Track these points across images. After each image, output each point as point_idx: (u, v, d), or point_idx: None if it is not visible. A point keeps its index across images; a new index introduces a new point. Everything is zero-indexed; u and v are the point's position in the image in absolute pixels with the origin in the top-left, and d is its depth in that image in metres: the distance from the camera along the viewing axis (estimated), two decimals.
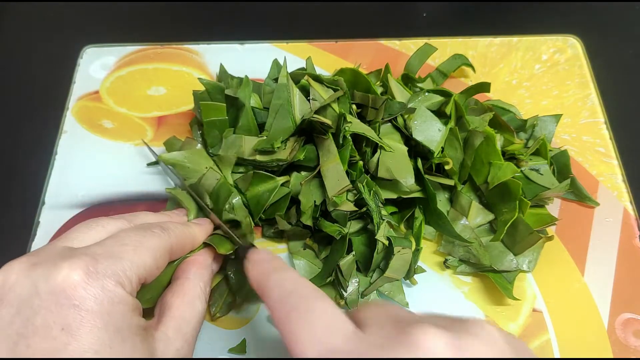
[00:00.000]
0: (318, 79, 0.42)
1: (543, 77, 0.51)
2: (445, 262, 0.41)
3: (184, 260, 0.36)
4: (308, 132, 0.41)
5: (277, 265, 0.29)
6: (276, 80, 0.43)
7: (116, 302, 0.27)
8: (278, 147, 0.40)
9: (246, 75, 0.44)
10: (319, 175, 0.40)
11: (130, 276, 0.28)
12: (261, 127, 0.42)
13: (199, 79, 0.45)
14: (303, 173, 0.41)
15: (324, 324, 0.24)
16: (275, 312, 0.26)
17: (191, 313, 0.32)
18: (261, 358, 0.38)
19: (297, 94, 0.41)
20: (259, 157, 0.40)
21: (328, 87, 0.42)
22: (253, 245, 0.35)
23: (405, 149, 0.41)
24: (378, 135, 0.41)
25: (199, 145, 0.44)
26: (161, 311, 0.32)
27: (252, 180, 0.40)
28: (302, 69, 0.46)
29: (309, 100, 0.41)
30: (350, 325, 0.24)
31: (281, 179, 0.40)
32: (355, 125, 0.40)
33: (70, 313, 0.25)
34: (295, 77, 0.43)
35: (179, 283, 0.34)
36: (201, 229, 0.37)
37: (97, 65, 0.52)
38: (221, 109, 0.43)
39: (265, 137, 0.41)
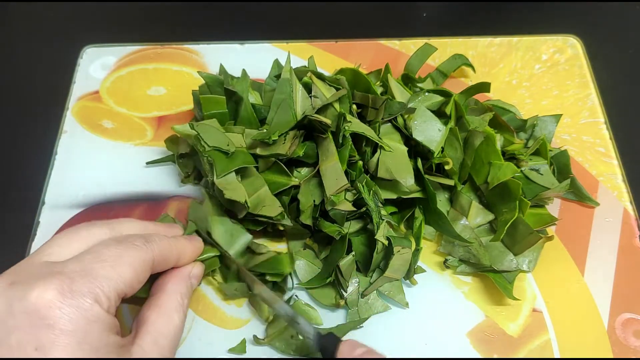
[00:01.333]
0: (321, 76, 0.42)
1: (543, 77, 0.51)
2: (445, 262, 0.41)
3: (161, 274, 0.35)
4: (308, 129, 0.41)
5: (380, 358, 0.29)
6: (278, 77, 0.43)
7: (92, 321, 0.27)
8: (275, 140, 0.39)
9: (244, 69, 0.44)
10: (318, 175, 0.40)
11: (107, 293, 0.28)
12: (262, 124, 0.43)
13: (198, 72, 0.45)
14: (303, 172, 0.41)
15: None
16: None
17: (168, 327, 0.32)
18: (261, 358, 0.38)
19: (300, 90, 0.41)
20: (259, 151, 0.40)
21: (330, 85, 0.42)
22: (333, 335, 0.34)
23: (405, 149, 0.41)
24: (378, 135, 0.41)
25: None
26: (138, 325, 0.31)
27: (272, 167, 0.40)
28: (304, 67, 0.46)
29: (311, 97, 0.42)
30: None
31: (295, 181, 0.40)
32: (355, 124, 0.40)
33: (44, 333, 0.25)
34: (298, 74, 0.43)
35: (156, 297, 0.33)
36: (191, 245, 0.37)
37: (97, 65, 0.52)
38: (221, 102, 0.43)
39: (265, 130, 0.41)
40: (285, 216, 0.39)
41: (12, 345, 0.25)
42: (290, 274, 0.40)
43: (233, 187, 0.38)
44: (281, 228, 0.41)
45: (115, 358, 0.27)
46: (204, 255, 0.38)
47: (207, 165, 0.39)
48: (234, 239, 0.39)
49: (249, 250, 0.40)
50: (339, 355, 0.32)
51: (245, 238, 0.40)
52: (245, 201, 0.38)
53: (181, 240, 0.36)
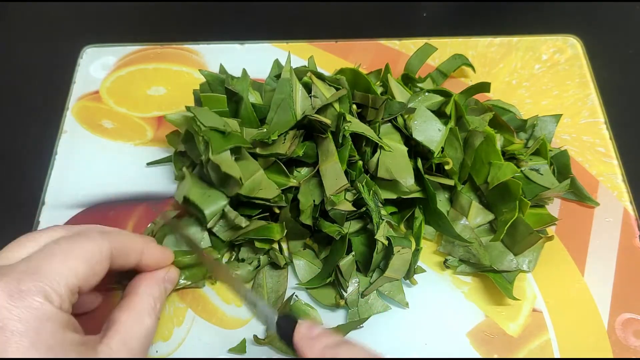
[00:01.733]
0: (321, 76, 0.42)
1: (543, 77, 0.51)
2: (445, 262, 0.41)
3: (134, 277, 0.35)
4: (308, 129, 0.41)
5: (338, 339, 0.29)
6: (278, 77, 0.43)
7: (44, 319, 0.26)
8: (274, 140, 0.39)
9: (244, 69, 0.44)
10: (318, 175, 0.40)
11: (58, 290, 0.27)
12: (262, 123, 0.43)
13: (199, 70, 0.45)
14: (303, 172, 0.41)
15: None
16: None
17: (139, 328, 0.31)
18: (261, 358, 0.38)
19: (299, 89, 0.41)
20: (259, 150, 0.40)
21: (330, 85, 0.42)
22: (291, 317, 0.34)
23: (405, 149, 0.41)
24: (378, 135, 0.41)
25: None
26: (107, 326, 0.31)
27: (271, 166, 0.40)
28: (304, 67, 0.46)
29: (310, 97, 0.42)
30: None
31: (294, 182, 0.40)
32: (355, 124, 0.40)
33: None
34: (298, 73, 0.43)
35: (127, 299, 0.33)
36: (158, 247, 0.36)
37: (97, 65, 0.52)
38: (222, 100, 0.43)
39: (265, 130, 0.41)
40: (283, 198, 0.39)
41: None
42: (282, 248, 0.41)
43: (228, 164, 0.38)
44: (277, 211, 0.41)
45: (79, 358, 0.27)
46: (182, 258, 0.38)
47: (202, 145, 0.39)
48: (211, 200, 0.39)
49: (233, 226, 0.40)
50: (297, 336, 0.31)
51: (222, 201, 0.39)
52: (240, 178, 0.38)
53: (145, 238, 0.35)
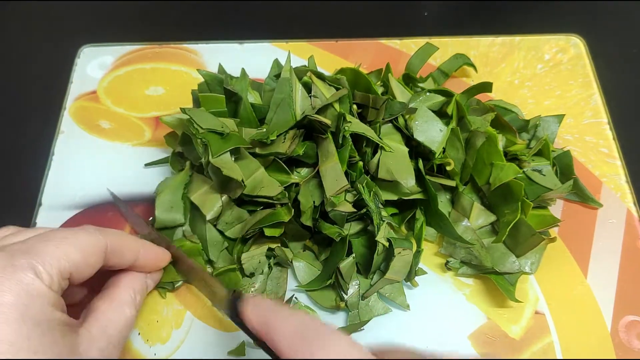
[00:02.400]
0: (321, 76, 0.42)
1: (545, 77, 0.50)
2: (446, 263, 0.41)
3: (116, 272, 0.35)
4: (308, 129, 0.41)
5: (280, 306, 0.29)
6: (277, 76, 0.42)
7: (34, 295, 0.27)
8: (273, 140, 0.39)
9: (243, 69, 0.44)
10: (318, 176, 0.39)
11: (49, 270, 0.28)
12: (262, 123, 0.42)
13: (198, 70, 0.45)
14: (303, 172, 0.41)
15: (345, 351, 0.24)
16: (288, 348, 0.25)
17: (118, 317, 0.32)
18: (261, 359, 0.38)
19: (299, 89, 0.41)
20: (258, 150, 0.40)
21: (330, 85, 0.42)
22: (237, 292, 0.33)
23: (406, 149, 0.41)
24: (379, 135, 0.40)
25: None
26: (87, 314, 0.31)
27: (271, 165, 0.40)
28: (304, 66, 0.46)
29: (310, 97, 0.41)
30: (370, 355, 0.24)
31: (295, 179, 0.40)
32: (355, 125, 0.39)
33: None
34: (298, 73, 0.43)
35: (108, 290, 0.33)
36: (156, 247, 0.37)
37: (94, 65, 0.52)
38: (220, 100, 0.42)
39: (264, 130, 0.41)
40: (286, 195, 0.39)
41: None
42: (286, 243, 0.40)
43: (229, 166, 0.38)
44: (279, 207, 0.40)
45: None
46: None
47: (201, 147, 0.38)
48: (209, 202, 0.40)
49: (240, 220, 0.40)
50: (244, 311, 0.30)
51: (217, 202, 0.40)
52: (242, 180, 0.38)
53: (145, 241, 0.36)
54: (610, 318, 0.39)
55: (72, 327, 0.29)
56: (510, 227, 0.38)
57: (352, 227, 0.40)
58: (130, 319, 0.33)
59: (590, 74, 0.50)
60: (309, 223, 0.39)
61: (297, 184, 0.40)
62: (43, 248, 0.29)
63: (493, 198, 0.41)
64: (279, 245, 0.41)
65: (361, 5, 0.59)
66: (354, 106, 0.42)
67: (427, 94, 0.44)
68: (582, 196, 0.43)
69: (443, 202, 0.42)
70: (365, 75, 0.43)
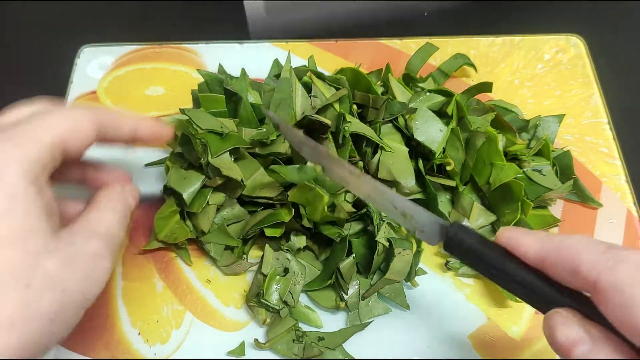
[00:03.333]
0: (321, 76, 0.42)
1: (545, 77, 0.50)
2: (446, 263, 0.41)
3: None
4: (308, 129, 0.41)
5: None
6: (277, 76, 0.42)
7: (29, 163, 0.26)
8: (273, 140, 0.39)
9: (243, 69, 0.44)
10: None
11: (44, 140, 0.27)
12: (262, 123, 0.42)
13: (198, 70, 0.45)
14: None
15: None
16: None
17: (105, 218, 0.30)
18: (261, 359, 0.38)
19: (299, 89, 0.41)
20: (258, 150, 0.40)
21: (330, 85, 0.42)
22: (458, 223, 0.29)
23: (406, 149, 0.40)
24: (379, 135, 0.40)
25: None
26: (72, 221, 0.30)
27: (270, 165, 0.40)
28: (304, 66, 0.46)
29: (310, 97, 0.41)
30: None
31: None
32: (355, 125, 0.39)
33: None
34: (298, 73, 0.43)
35: (86, 211, 0.31)
36: (150, 118, 0.34)
37: (94, 65, 0.52)
38: (220, 100, 0.42)
39: (264, 130, 0.41)
40: (286, 195, 0.39)
41: None
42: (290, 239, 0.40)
43: (229, 166, 0.38)
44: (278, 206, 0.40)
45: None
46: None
47: (200, 148, 0.38)
48: (187, 182, 0.39)
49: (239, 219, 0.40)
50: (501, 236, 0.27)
51: (197, 182, 0.39)
52: (242, 180, 0.38)
53: (143, 115, 0.34)
54: None
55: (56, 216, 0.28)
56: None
57: (352, 227, 0.40)
58: (119, 224, 0.31)
59: (591, 74, 0.50)
60: (308, 224, 0.39)
61: (297, 184, 0.40)
62: (35, 121, 0.28)
63: (493, 198, 0.41)
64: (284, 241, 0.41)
65: (361, 6, 0.59)
66: (354, 106, 0.42)
67: (427, 94, 0.44)
68: (582, 196, 0.43)
69: (443, 202, 0.42)
70: (365, 75, 0.43)
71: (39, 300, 0.25)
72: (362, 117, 0.42)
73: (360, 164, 0.40)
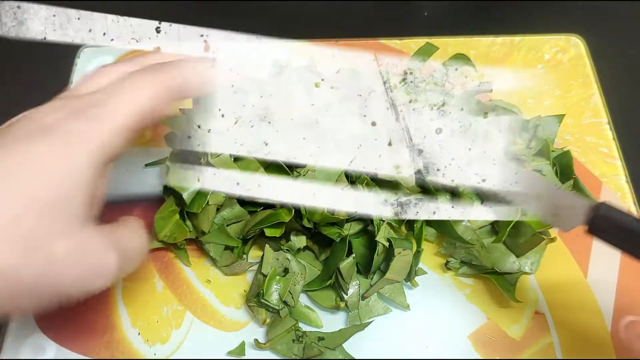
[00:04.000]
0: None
1: (545, 77, 0.50)
2: (446, 263, 0.41)
3: None
4: None
5: None
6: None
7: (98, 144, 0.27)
8: None
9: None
10: None
11: (115, 124, 0.27)
12: None
13: None
14: (303, 172, 0.40)
15: None
16: None
17: (129, 233, 0.31)
18: (261, 359, 0.38)
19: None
20: None
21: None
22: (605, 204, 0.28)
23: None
24: None
25: None
26: None
27: (270, 165, 0.40)
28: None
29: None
30: None
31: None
32: None
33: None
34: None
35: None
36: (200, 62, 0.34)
37: (94, 65, 0.52)
38: None
39: None
40: None
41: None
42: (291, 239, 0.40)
43: (228, 166, 0.38)
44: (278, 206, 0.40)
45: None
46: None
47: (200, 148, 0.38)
48: (187, 181, 0.39)
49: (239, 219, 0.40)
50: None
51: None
52: None
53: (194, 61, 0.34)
54: (610, 318, 0.39)
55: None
56: (510, 227, 0.38)
57: (352, 227, 0.40)
58: (137, 253, 0.31)
59: (591, 74, 0.50)
60: (308, 224, 0.39)
61: None
62: (115, 98, 0.28)
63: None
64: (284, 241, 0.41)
65: (361, 5, 0.59)
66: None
67: None
68: (582, 196, 0.43)
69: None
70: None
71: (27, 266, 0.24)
72: None
73: None
